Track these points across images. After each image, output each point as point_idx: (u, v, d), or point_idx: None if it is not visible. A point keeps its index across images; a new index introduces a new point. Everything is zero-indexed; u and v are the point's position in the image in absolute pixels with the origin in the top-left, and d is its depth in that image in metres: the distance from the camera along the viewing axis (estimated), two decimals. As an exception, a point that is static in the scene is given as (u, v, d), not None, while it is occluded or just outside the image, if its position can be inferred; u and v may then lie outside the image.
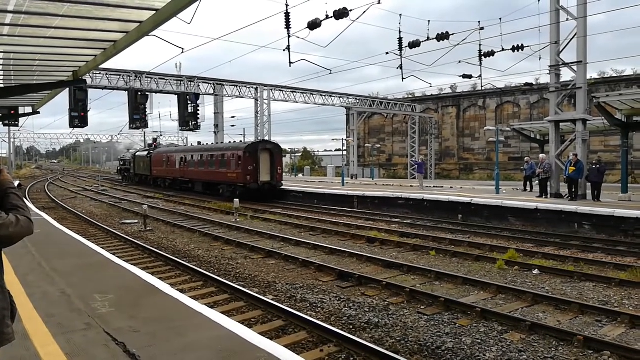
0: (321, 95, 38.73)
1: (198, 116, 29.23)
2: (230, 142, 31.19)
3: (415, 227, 16.23)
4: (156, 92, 31.57)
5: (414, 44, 18.48)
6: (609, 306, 7.42)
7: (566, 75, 20.04)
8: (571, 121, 18.53)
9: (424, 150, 44.54)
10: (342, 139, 40.05)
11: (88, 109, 19.71)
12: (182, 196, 28.83)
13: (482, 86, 26.57)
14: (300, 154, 73.95)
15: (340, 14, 14.53)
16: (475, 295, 8.09)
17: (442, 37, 18.10)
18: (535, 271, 9.67)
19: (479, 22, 19.20)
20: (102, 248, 9.84)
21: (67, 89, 17.22)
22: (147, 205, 18.66)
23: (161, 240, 13.87)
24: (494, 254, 11.26)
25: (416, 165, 28.00)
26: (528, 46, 19.42)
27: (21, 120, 21.67)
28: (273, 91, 36.60)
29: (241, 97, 35.71)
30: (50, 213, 18.84)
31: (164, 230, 15.83)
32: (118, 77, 29.33)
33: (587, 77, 18.88)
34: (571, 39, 17.96)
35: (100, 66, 10.12)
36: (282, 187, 26.43)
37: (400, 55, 19.17)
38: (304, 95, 37.74)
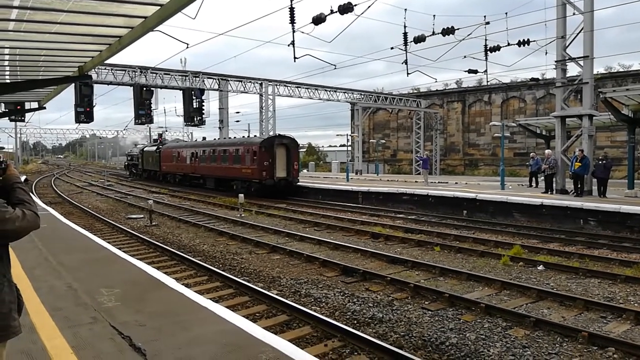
0: (326, 90, 38.65)
1: (203, 111, 29.22)
2: (243, 136, 30.16)
3: (419, 222, 16.22)
4: (161, 87, 31.57)
5: (419, 39, 18.37)
6: (614, 302, 7.39)
7: (572, 70, 19.88)
8: (577, 116, 18.42)
9: (428, 145, 44.41)
10: (347, 135, 39.96)
11: (94, 105, 19.79)
12: (188, 191, 28.92)
13: (487, 81, 26.35)
14: (304, 150, 73.94)
15: (345, 8, 14.46)
16: (479, 291, 8.09)
17: (448, 31, 17.98)
18: (540, 267, 9.65)
19: (485, 16, 19.04)
20: (108, 243, 9.90)
21: (73, 84, 17.29)
22: (152, 200, 18.74)
23: (166, 235, 13.94)
24: (498, 250, 11.24)
25: (421, 161, 27.89)
26: (534, 41, 19.26)
27: (27, 115, 21.75)
28: (278, 86, 36.55)
29: (246, 93, 35.70)
30: (57, 208, 18.96)
31: (169, 225, 15.90)
32: (123, 72, 29.38)
33: (594, 72, 18.74)
34: (577, 34, 17.83)
35: (106, 61, 10.15)
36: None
37: (405, 50, 19.08)
38: (309, 90, 37.69)
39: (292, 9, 15.26)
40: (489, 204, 16.90)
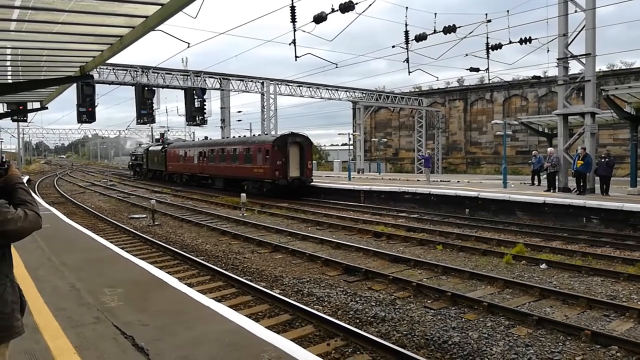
0: (327, 89, 38.64)
1: (205, 111, 29.30)
2: (253, 135, 29.11)
3: (422, 221, 16.20)
4: (163, 87, 31.62)
5: (421, 37, 18.34)
6: (617, 301, 7.37)
7: (574, 67, 19.85)
8: (580, 114, 18.37)
9: (430, 144, 44.36)
10: (349, 133, 39.88)
11: (96, 104, 19.85)
12: (190, 191, 28.94)
13: (489, 79, 26.24)
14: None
15: (346, 7, 14.44)
16: (482, 289, 8.08)
17: (449, 30, 17.95)
18: (543, 265, 9.63)
19: (486, 14, 19.02)
20: (111, 242, 9.91)
21: (75, 84, 17.33)
22: (155, 200, 18.77)
23: (169, 235, 13.96)
24: (501, 249, 11.22)
25: (423, 160, 27.88)
26: (536, 39, 19.21)
27: (30, 115, 21.81)
28: (279, 85, 36.56)
29: (247, 92, 35.74)
30: (60, 208, 19.00)
31: (172, 225, 15.92)
32: (125, 72, 29.43)
33: (596, 69, 18.69)
34: (579, 31, 17.77)
35: (107, 61, 10.17)
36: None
37: (407, 49, 19.06)
38: (310, 89, 37.67)
39: (293, 8, 15.26)
40: (492, 202, 16.87)
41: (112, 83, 29.18)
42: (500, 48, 19.91)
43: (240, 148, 26.58)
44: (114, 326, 4.60)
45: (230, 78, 34.45)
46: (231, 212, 19.08)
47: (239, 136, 30.71)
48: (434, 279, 8.82)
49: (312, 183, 24.72)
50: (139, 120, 26.02)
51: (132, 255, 8.50)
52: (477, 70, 22.99)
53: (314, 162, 55.62)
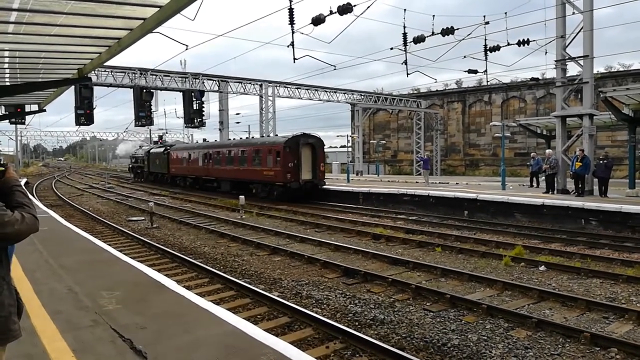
0: (326, 91, 38.67)
1: (203, 113, 29.23)
2: (263, 135, 27.53)
3: (420, 223, 16.20)
4: (161, 89, 31.61)
5: (419, 39, 18.37)
6: (616, 303, 7.37)
7: (572, 69, 19.88)
8: (578, 116, 18.41)
9: (429, 146, 44.40)
10: (347, 135, 39.92)
11: (94, 107, 19.80)
12: (188, 193, 28.91)
13: (487, 81, 26.32)
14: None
15: (344, 9, 14.46)
16: (481, 291, 8.07)
17: (447, 32, 17.98)
18: (542, 267, 9.63)
19: (484, 16, 19.04)
20: (109, 245, 9.89)
21: (73, 86, 17.31)
22: (153, 202, 18.74)
23: (167, 237, 13.93)
24: (500, 251, 11.21)
25: (421, 161, 27.88)
26: (534, 40, 19.25)
27: (28, 118, 21.77)
28: (277, 87, 36.57)
29: (246, 94, 35.74)
30: (57, 210, 18.96)
31: (170, 227, 15.89)
32: (123, 74, 29.42)
33: (594, 71, 18.73)
34: (577, 33, 17.82)
35: (105, 63, 10.14)
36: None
37: (405, 51, 19.07)
38: (309, 91, 37.71)
39: (291, 10, 15.27)
40: (490, 204, 16.88)
41: (110, 85, 29.16)
42: (499, 50, 19.95)
43: (249, 150, 25.49)
44: (111, 329, 4.58)
45: (229, 80, 34.48)
46: (230, 214, 19.06)
47: (240, 138, 30.22)
48: (433, 281, 8.81)
49: (324, 186, 23.75)
50: (137, 123, 25.94)
51: (130, 257, 8.47)
52: (476, 72, 23.03)
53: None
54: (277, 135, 25.23)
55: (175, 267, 10.04)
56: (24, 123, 21.02)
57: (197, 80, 32.31)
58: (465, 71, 23.29)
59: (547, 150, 20.10)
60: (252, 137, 29.28)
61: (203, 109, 28.98)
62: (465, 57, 20.56)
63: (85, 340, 4.29)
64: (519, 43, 19.31)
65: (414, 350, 5.73)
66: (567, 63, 18.46)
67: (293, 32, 15.68)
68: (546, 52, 20.00)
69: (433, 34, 18.23)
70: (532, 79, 33.66)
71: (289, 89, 36.85)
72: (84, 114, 18.62)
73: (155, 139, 56.35)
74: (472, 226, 15.15)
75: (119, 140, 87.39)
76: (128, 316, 4.97)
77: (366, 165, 44.74)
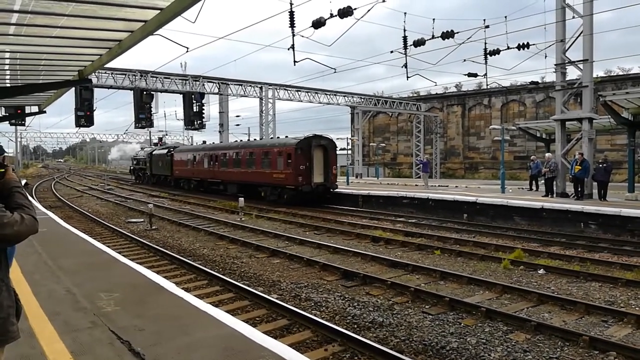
0: (326, 94, 38.72)
1: (203, 115, 29.26)
2: (272, 137, 26.62)
3: (420, 226, 16.19)
4: (161, 91, 31.67)
5: (419, 43, 18.41)
6: (615, 306, 7.36)
7: (572, 73, 19.96)
8: (577, 120, 18.42)
9: (429, 149, 44.42)
10: (347, 138, 40.02)
11: (94, 108, 19.82)
12: (187, 195, 28.91)
13: (487, 85, 26.51)
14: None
15: (345, 12, 14.50)
16: (480, 295, 8.06)
17: (447, 35, 18.03)
18: (541, 271, 9.63)
19: (484, 20, 19.07)
20: (108, 247, 9.89)
21: (73, 88, 17.32)
22: (152, 204, 18.74)
23: (166, 239, 13.92)
24: (499, 254, 11.21)
25: (421, 164, 27.89)
26: (534, 44, 19.31)
27: (28, 119, 21.81)
28: (278, 90, 36.62)
29: (246, 96, 35.78)
30: (57, 212, 18.95)
31: (169, 229, 15.88)
32: (123, 76, 29.46)
33: (594, 75, 18.76)
34: (577, 37, 17.86)
35: (106, 65, 10.16)
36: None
37: (405, 54, 19.11)
38: (309, 94, 37.75)
39: (292, 13, 15.30)
40: (489, 207, 16.89)
41: (110, 87, 29.20)
42: (498, 54, 19.99)
43: (258, 152, 24.74)
44: (110, 331, 4.58)
45: (229, 83, 34.52)
46: (229, 216, 19.05)
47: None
48: (432, 284, 8.80)
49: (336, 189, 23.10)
50: (137, 125, 25.96)
51: (129, 259, 8.47)
52: (475, 75, 23.07)
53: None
54: (285, 137, 24.70)
55: (174, 269, 10.03)
56: (24, 124, 21.04)
57: (198, 83, 32.36)
58: (465, 74, 23.35)
59: (547, 154, 20.10)
60: (261, 139, 28.45)
61: (203, 111, 29.01)
62: (465, 60, 20.64)
63: (83, 342, 4.29)
64: (518, 47, 19.35)
65: (413, 353, 5.72)
66: (566, 67, 18.50)
67: (294, 35, 15.72)
68: (546, 56, 20.05)
69: (433, 37, 18.27)
70: (532, 82, 33.62)
71: (289, 91, 36.90)
72: (84, 116, 18.62)
73: (155, 141, 56.36)
74: (472, 229, 15.16)
75: (114, 143, 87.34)
76: (126, 318, 4.97)
77: (366, 168, 44.73)
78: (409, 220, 17.39)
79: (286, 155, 22.30)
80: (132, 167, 49.28)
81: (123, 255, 8.85)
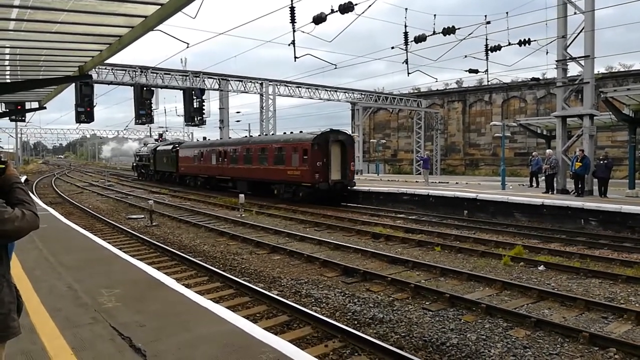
0: (326, 90, 38.67)
1: (203, 111, 29.27)
2: (284, 132, 25.75)
3: (420, 222, 16.20)
4: (161, 87, 31.60)
5: (420, 39, 18.37)
6: (615, 303, 7.37)
7: (573, 69, 19.88)
8: (578, 116, 18.41)
9: (429, 145, 44.39)
10: (347, 134, 39.88)
11: (94, 104, 19.83)
12: (188, 191, 28.92)
13: (488, 81, 26.31)
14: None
15: (346, 8, 14.46)
16: (480, 291, 8.07)
17: (448, 31, 17.98)
18: (541, 267, 9.63)
19: (485, 16, 19.02)
20: (109, 243, 9.90)
21: (73, 84, 17.31)
22: (153, 200, 18.75)
23: (167, 235, 13.93)
24: (499, 250, 11.22)
25: (421, 161, 27.88)
26: (535, 40, 19.25)
27: (28, 115, 21.80)
28: (278, 86, 36.58)
29: (246, 92, 35.77)
30: (57, 208, 18.96)
31: (169, 226, 15.89)
32: (124, 72, 29.42)
33: (595, 71, 18.73)
34: (578, 33, 17.82)
35: (106, 61, 10.16)
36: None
37: (406, 50, 19.08)
38: (309, 90, 37.71)
39: (292, 9, 15.27)
40: (490, 204, 16.89)
41: (110, 83, 29.17)
42: (499, 50, 19.96)
43: (271, 147, 23.58)
44: (111, 327, 4.58)
45: (229, 78, 34.47)
46: (229, 212, 19.06)
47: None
48: (432, 280, 8.81)
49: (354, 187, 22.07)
50: (137, 121, 25.99)
51: (130, 255, 8.47)
52: (476, 71, 23.03)
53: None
54: (300, 132, 23.72)
55: (174, 265, 10.05)
56: (24, 120, 21.05)
57: (198, 79, 32.31)
58: (466, 71, 23.31)
59: (547, 150, 20.10)
60: (273, 134, 27.22)
61: (203, 107, 29.02)
62: (466, 56, 20.57)
63: (84, 338, 4.29)
64: (520, 43, 19.30)
65: (413, 349, 5.74)
66: (567, 63, 18.47)
67: (294, 31, 15.68)
68: (547, 52, 20.03)
69: (434, 33, 18.22)
70: (533, 79, 33.63)
71: (289, 87, 36.85)
72: (85, 112, 18.65)
73: (156, 137, 56.31)
74: (472, 226, 15.16)
75: (114, 139, 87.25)
76: (127, 314, 4.98)
77: (366, 164, 44.73)
78: (410, 217, 17.40)
79: (302, 151, 21.28)
80: (134, 164, 48.43)
81: (124, 252, 8.86)
